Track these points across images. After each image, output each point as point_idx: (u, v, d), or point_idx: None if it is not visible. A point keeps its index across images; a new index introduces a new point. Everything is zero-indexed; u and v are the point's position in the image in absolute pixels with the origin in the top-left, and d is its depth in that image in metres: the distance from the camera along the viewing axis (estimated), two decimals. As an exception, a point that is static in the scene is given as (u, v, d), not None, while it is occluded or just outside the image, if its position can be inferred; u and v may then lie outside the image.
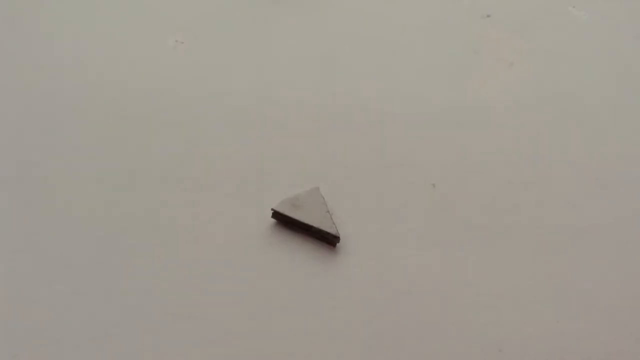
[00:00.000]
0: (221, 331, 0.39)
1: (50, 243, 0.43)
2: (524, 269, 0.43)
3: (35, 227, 0.44)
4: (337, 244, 0.43)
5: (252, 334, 0.39)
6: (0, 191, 0.46)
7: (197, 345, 0.39)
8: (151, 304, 0.40)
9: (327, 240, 0.43)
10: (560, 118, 0.52)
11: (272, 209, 0.44)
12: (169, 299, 0.40)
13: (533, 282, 0.42)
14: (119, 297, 0.41)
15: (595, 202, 0.46)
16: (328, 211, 0.44)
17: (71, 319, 0.39)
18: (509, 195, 0.47)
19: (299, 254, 0.43)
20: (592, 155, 0.50)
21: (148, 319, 0.40)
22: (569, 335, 0.40)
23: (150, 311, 0.40)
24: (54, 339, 0.39)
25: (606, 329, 0.40)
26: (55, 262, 0.42)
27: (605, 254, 0.44)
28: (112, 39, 0.58)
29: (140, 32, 0.59)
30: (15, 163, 0.48)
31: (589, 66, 0.57)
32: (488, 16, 0.61)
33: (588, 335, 0.40)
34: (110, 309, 0.40)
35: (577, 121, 0.52)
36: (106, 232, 0.43)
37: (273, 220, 0.44)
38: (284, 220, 0.44)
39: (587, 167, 0.49)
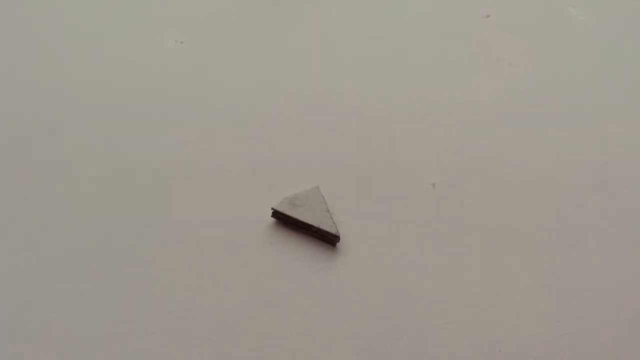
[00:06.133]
0: (221, 330, 0.39)
1: (51, 243, 0.43)
2: (524, 269, 0.43)
3: (36, 227, 0.44)
4: (337, 244, 0.43)
5: (252, 333, 0.39)
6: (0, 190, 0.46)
7: (197, 344, 0.39)
8: (151, 302, 0.40)
9: (327, 239, 0.43)
10: (560, 118, 0.52)
11: (272, 208, 0.44)
12: (169, 298, 0.40)
13: (533, 282, 0.42)
14: (119, 296, 0.40)
15: (595, 202, 0.46)
16: (328, 210, 0.44)
17: (71, 318, 0.39)
18: (508, 195, 0.47)
19: (299, 254, 0.43)
20: (591, 154, 0.50)
21: (148, 318, 0.40)
22: (569, 335, 0.40)
23: (150, 310, 0.40)
24: (54, 338, 0.38)
25: (606, 328, 0.40)
26: (55, 262, 0.42)
27: (605, 254, 0.43)
28: (111, 39, 0.58)
29: (140, 32, 0.59)
30: (15, 163, 0.48)
31: (588, 66, 0.57)
32: (488, 16, 0.61)
33: (588, 335, 0.40)
34: (110, 309, 0.40)
35: (577, 121, 0.52)
36: (106, 232, 0.43)
37: (273, 220, 0.44)
38: (284, 220, 0.44)
39: (586, 166, 0.49)
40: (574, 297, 0.41)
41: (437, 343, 0.39)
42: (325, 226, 0.43)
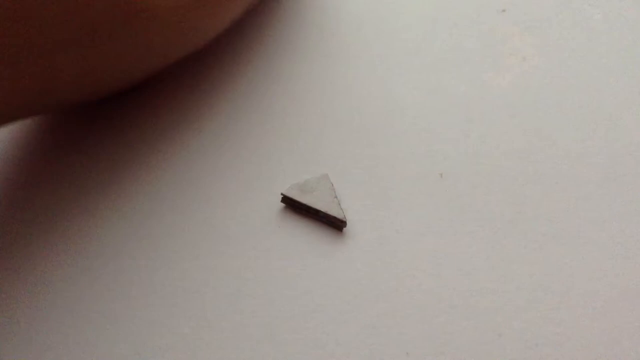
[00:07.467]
0: (229, 311, 0.41)
1: (49, 239, 0.45)
2: (527, 258, 0.43)
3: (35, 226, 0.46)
4: (344, 229, 0.45)
5: (259, 314, 0.41)
6: None
7: (204, 325, 0.40)
8: (160, 283, 0.42)
9: (335, 224, 0.45)
10: (572, 113, 0.52)
11: (281, 194, 0.45)
12: (177, 277, 0.42)
13: (538, 271, 0.43)
14: (127, 280, 0.42)
15: (603, 196, 0.47)
16: (336, 197, 0.45)
17: (78, 310, 0.41)
18: (515, 186, 0.47)
19: (307, 238, 0.44)
20: (603, 150, 0.50)
21: (156, 298, 0.41)
22: (568, 322, 0.40)
23: (159, 291, 0.42)
24: (61, 329, 0.41)
25: (606, 316, 0.41)
26: (54, 259, 0.44)
27: (609, 245, 0.44)
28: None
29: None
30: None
31: (602, 62, 0.57)
32: (503, 11, 0.62)
33: (588, 321, 0.40)
34: (119, 292, 0.42)
35: (590, 116, 0.52)
36: (114, 219, 0.45)
37: (282, 205, 0.46)
38: (292, 205, 0.45)
39: (597, 161, 0.49)
40: (576, 286, 0.42)
41: (438, 326, 0.40)
42: (333, 212, 0.44)
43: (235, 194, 0.47)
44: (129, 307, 0.41)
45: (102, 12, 0.38)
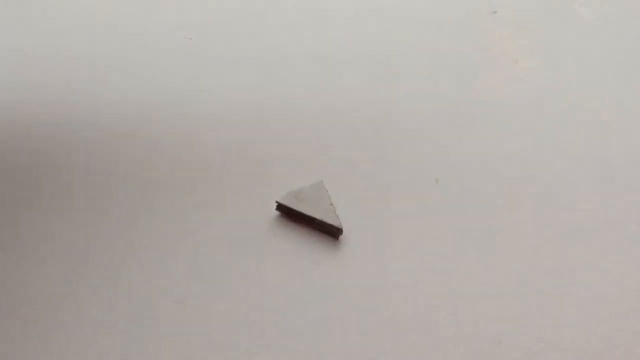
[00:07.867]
0: (225, 319, 0.40)
1: (51, 236, 0.44)
2: (524, 263, 0.43)
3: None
4: (340, 237, 0.44)
5: (255, 323, 0.40)
6: None
7: (203, 334, 0.40)
8: (157, 292, 0.41)
9: (330, 232, 0.44)
10: (564, 114, 0.52)
11: (276, 202, 0.44)
12: (175, 288, 0.41)
13: (533, 275, 0.42)
14: (124, 286, 0.41)
15: (597, 197, 0.47)
16: (331, 204, 0.44)
17: (83, 308, 0.40)
18: (510, 190, 0.47)
19: (303, 246, 0.44)
20: (595, 151, 0.50)
21: (154, 308, 0.41)
22: (567, 328, 0.40)
23: (156, 300, 0.41)
24: (58, 324, 0.40)
25: (605, 321, 0.40)
26: (55, 256, 0.43)
27: (605, 247, 0.44)
28: (121, 35, 0.59)
29: (151, 29, 0.60)
30: (21, 157, 0.49)
31: (593, 63, 0.57)
32: (495, 12, 0.62)
33: (587, 327, 0.40)
34: (116, 298, 0.41)
35: (581, 117, 0.52)
36: (113, 223, 0.44)
37: (277, 213, 0.45)
38: (288, 213, 0.45)
39: (590, 163, 0.49)
40: (573, 291, 0.42)
41: (437, 334, 0.40)
42: (328, 219, 0.43)
43: (230, 202, 0.46)
44: (126, 319, 0.40)
45: None
